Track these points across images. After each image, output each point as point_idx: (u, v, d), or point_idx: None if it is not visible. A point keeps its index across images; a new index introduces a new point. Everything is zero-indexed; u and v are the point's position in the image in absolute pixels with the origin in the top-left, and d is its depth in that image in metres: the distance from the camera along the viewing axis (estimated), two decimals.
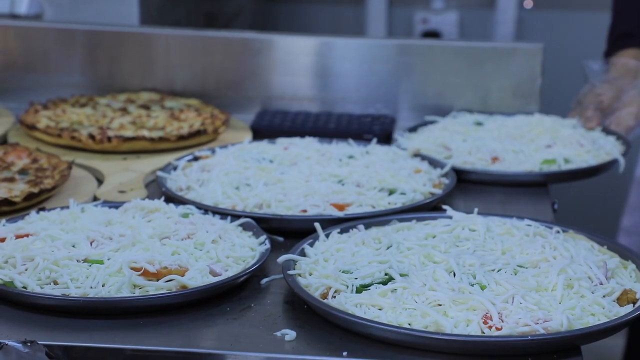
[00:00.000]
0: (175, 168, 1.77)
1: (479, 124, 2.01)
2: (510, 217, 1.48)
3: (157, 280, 1.30)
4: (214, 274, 1.34)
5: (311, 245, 1.41)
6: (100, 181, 1.77)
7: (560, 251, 1.35)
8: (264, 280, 1.38)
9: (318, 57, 2.21)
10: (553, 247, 1.36)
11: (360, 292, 1.27)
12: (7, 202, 1.57)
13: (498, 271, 1.31)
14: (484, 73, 2.14)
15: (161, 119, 2.01)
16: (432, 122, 2.03)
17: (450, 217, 1.48)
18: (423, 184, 1.67)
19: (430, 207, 1.61)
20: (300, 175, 1.68)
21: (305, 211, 1.55)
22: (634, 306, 1.26)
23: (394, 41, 2.21)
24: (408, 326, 1.20)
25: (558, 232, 1.44)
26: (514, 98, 2.12)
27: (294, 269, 1.34)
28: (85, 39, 2.24)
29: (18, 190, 1.62)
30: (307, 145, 1.83)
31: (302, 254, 1.39)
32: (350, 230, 1.46)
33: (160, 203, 1.52)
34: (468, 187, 1.77)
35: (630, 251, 1.40)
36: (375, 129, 2.04)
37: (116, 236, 1.39)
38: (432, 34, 3.36)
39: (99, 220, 1.45)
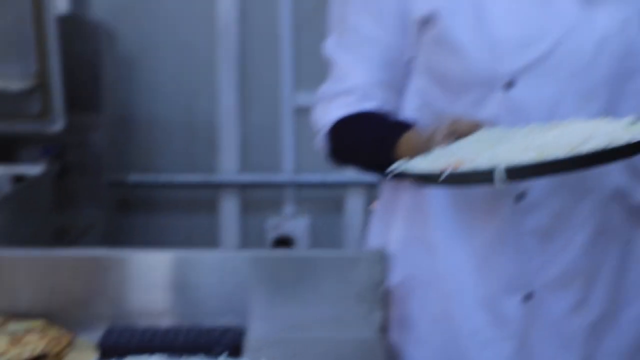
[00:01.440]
0: None
1: None
2: None
3: None
4: None
5: None
6: None
7: None
8: None
9: (168, 271, 2.21)
10: None
11: None
12: None
13: None
14: (329, 280, 2.18)
15: (2, 344, 1.94)
16: None
17: None
18: None
19: None
20: None
21: None
22: None
23: (244, 253, 2.25)
24: None
25: None
26: (358, 305, 2.16)
27: None
28: None
29: None
30: None
31: None
32: None
33: None
34: None
35: None
36: (225, 342, 2.03)
37: None
38: (285, 240, 3.43)
39: None
